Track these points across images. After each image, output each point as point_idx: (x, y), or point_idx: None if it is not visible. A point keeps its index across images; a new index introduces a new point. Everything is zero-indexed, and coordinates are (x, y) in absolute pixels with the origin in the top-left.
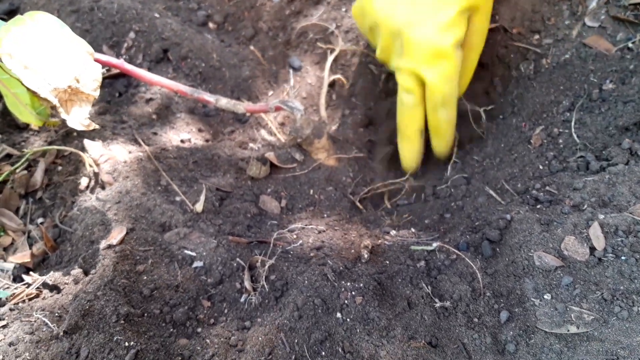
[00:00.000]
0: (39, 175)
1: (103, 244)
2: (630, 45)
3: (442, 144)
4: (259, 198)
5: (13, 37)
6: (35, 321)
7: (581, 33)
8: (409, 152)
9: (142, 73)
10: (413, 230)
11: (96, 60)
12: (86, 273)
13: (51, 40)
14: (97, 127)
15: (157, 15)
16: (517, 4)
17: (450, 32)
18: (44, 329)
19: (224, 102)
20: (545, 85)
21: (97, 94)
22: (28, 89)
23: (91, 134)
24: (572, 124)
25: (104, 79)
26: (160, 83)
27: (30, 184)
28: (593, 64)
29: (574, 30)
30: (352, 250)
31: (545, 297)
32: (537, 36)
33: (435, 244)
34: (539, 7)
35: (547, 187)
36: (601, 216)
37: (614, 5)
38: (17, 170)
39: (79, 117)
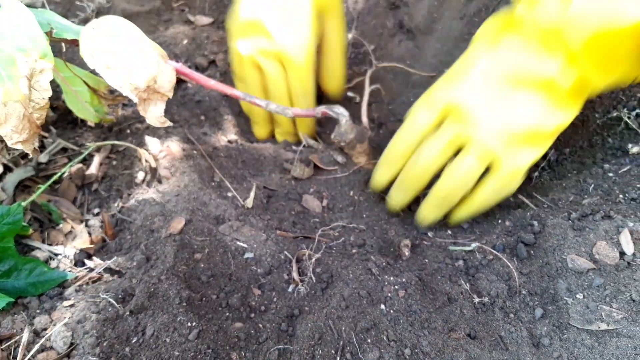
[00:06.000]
0: (94, 168)
1: (164, 233)
2: None
3: (305, 130)
4: (302, 197)
5: (95, 39)
6: (100, 302)
7: None
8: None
9: (199, 76)
10: (449, 232)
11: None
12: (148, 259)
13: (131, 42)
14: (170, 124)
15: None
16: None
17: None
18: (110, 309)
19: (273, 106)
20: None
21: (171, 94)
22: (89, 87)
23: (146, 132)
24: None
25: None
26: (215, 87)
27: (87, 177)
28: None
29: None
30: (392, 249)
31: (577, 296)
32: None
33: (474, 245)
34: None
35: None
36: (631, 224)
37: None
38: (74, 163)
39: (155, 115)
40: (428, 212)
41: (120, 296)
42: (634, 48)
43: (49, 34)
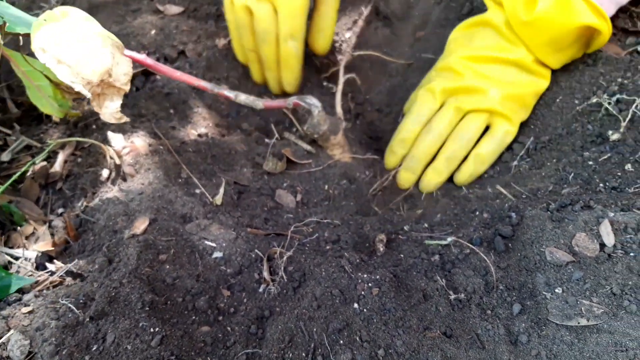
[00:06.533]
0: (58, 167)
1: (127, 234)
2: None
3: (290, 76)
4: (275, 192)
5: (46, 32)
6: (60, 307)
7: None
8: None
9: (164, 68)
10: (426, 225)
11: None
12: (110, 261)
13: (83, 34)
14: (127, 120)
15: None
16: None
17: None
18: (70, 315)
19: (242, 97)
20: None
21: (127, 87)
22: (52, 82)
23: (111, 127)
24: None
25: None
26: (181, 78)
27: (50, 175)
28: (603, 67)
29: None
30: (367, 244)
31: (556, 290)
32: None
33: (450, 239)
34: None
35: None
36: (611, 214)
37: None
38: (37, 162)
39: (110, 110)
40: (434, 175)
41: (81, 301)
42: (580, 39)
43: (1, 27)
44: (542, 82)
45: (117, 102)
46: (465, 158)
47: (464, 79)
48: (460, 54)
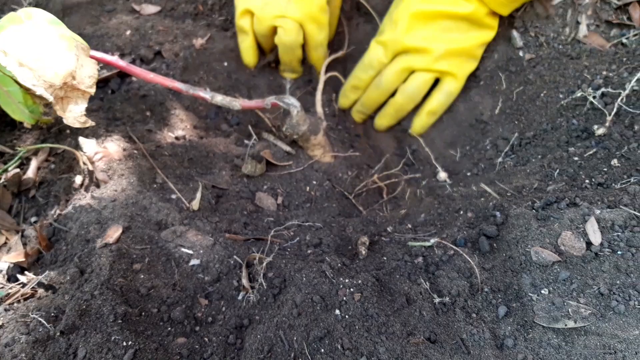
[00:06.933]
0: (31, 174)
1: (99, 243)
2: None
3: (319, 69)
4: (255, 195)
5: (8, 35)
6: (31, 321)
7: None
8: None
9: (137, 70)
10: (409, 226)
11: (91, 57)
12: (82, 272)
13: (46, 36)
14: (93, 124)
15: None
16: None
17: None
18: (41, 330)
19: (219, 98)
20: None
21: (93, 90)
22: (21, 87)
23: (84, 132)
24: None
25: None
26: (155, 80)
27: (23, 183)
28: (587, 60)
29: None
30: (350, 247)
31: (542, 292)
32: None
33: (433, 240)
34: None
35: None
36: (597, 211)
37: (604, 10)
38: (10, 169)
39: (75, 114)
40: (384, 120)
41: (52, 315)
42: None
43: None
44: (490, 33)
45: (82, 106)
46: (416, 109)
47: (414, 38)
48: (412, 8)
